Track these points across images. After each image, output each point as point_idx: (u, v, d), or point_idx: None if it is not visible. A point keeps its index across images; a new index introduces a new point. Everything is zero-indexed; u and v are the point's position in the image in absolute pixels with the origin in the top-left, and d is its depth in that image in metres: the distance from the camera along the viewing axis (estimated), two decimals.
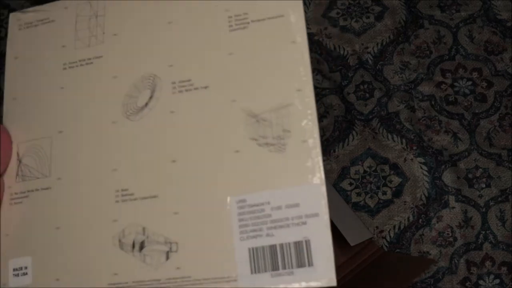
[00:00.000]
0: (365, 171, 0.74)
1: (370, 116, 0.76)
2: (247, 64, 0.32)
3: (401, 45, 0.80)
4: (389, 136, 0.75)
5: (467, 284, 0.68)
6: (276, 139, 0.30)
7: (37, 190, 0.33)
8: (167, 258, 0.31)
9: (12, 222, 0.33)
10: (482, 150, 0.73)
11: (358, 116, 0.76)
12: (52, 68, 0.35)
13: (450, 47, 0.79)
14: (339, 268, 0.62)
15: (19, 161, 0.34)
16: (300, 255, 0.29)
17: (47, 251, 0.32)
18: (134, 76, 0.34)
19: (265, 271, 0.29)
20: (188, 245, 0.30)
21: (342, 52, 0.80)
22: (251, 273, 0.29)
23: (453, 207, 0.71)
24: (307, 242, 0.29)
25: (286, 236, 0.29)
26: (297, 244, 0.29)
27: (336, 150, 0.75)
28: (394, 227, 0.71)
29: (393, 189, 0.73)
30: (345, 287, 0.61)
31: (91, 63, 0.35)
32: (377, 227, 0.71)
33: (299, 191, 0.29)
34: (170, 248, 0.31)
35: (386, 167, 0.74)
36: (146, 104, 0.33)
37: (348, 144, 0.75)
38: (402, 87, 0.77)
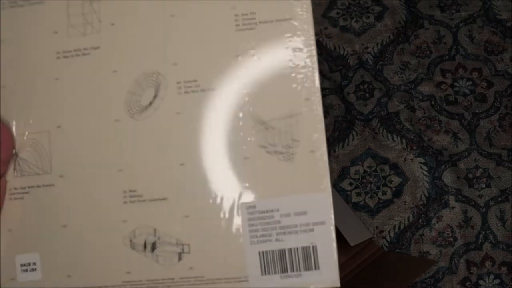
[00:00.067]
0: (365, 171, 0.74)
1: (370, 116, 0.76)
2: (255, 69, 0.32)
3: (401, 45, 0.79)
4: (389, 136, 0.75)
5: (467, 284, 0.68)
6: (285, 147, 0.31)
7: (38, 186, 0.33)
8: (180, 259, 0.31)
9: (14, 217, 0.32)
10: (482, 150, 0.73)
11: (358, 116, 0.76)
12: (43, 56, 0.33)
13: (450, 47, 0.79)
14: (339, 268, 0.62)
15: (16, 155, 0.33)
16: (308, 259, 0.30)
17: (56, 248, 0.32)
18: (136, 72, 0.33)
19: (275, 273, 0.31)
20: (200, 247, 0.31)
21: (342, 52, 0.80)
22: (262, 274, 0.31)
23: (453, 207, 0.71)
24: (314, 248, 0.30)
25: (295, 242, 0.31)
26: (305, 249, 0.30)
27: (336, 150, 0.75)
28: (394, 227, 0.71)
29: (393, 189, 0.73)
30: (345, 287, 0.61)
31: (88, 54, 0.33)
32: (377, 227, 0.71)
33: (307, 200, 0.31)
34: (183, 250, 0.32)
35: (386, 167, 0.74)
36: (151, 104, 0.32)
37: (348, 144, 0.75)
38: (402, 87, 0.77)
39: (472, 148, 0.74)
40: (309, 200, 0.31)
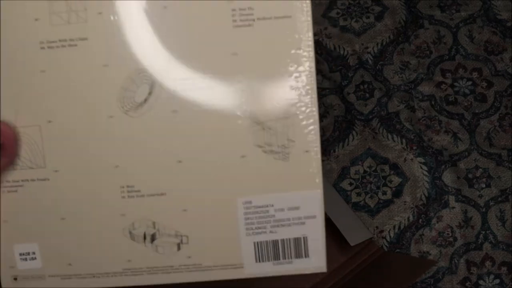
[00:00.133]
0: (365, 171, 0.74)
1: (370, 116, 0.76)
2: (252, 68, 0.31)
3: (401, 45, 0.79)
4: (389, 136, 0.75)
5: (467, 284, 0.68)
6: (280, 147, 0.32)
7: (33, 180, 0.33)
8: (179, 248, 0.33)
9: (8, 209, 0.33)
10: (482, 150, 0.73)
11: (358, 116, 0.76)
12: (26, 46, 0.32)
13: (450, 47, 0.79)
14: (339, 268, 0.62)
15: None
16: (298, 248, 0.33)
17: (55, 239, 0.33)
18: (128, 67, 0.32)
19: (268, 260, 0.33)
20: (198, 238, 0.33)
21: (342, 52, 0.80)
22: (256, 261, 0.33)
23: (453, 207, 0.71)
24: (305, 239, 0.33)
25: (287, 233, 0.33)
26: (296, 240, 0.33)
27: (336, 150, 0.75)
28: (394, 227, 0.71)
29: (393, 189, 0.73)
30: (345, 287, 0.61)
31: (75, 45, 0.31)
32: (377, 227, 0.71)
33: (300, 196, 0.33)
34: (181, 240, 0.33)
35: (386, 167, 0.73)
36: (145, 101, 0.32)
37: (348, 144, 0.75)
38: (402, 87, 0.77)
39: (472, 148, 0.74)
40: (302, 196, 0.33)
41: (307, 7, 0.31)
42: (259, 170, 0.32)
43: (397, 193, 0.72)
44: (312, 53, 0.31)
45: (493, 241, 0.69)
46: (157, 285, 0.34)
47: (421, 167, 0.73)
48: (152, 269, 0.34)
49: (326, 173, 0.73)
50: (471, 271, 0.68)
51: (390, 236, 0.70)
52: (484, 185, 0.72)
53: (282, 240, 0.33)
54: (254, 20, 0.31)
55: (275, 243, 0.33)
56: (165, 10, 0.31)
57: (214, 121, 0.32)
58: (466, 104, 0.76)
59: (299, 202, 0.33)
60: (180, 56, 0.32)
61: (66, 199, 0.33)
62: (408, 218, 0.71)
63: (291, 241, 0.33)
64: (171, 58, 0.32)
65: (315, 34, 0.81)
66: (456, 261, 0.69)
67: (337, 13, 0.82)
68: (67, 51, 0.32)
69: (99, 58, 0.32)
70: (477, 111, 0.75)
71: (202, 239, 0.33)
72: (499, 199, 0.71)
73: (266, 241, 0.33)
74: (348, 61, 0.79)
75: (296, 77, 0.32)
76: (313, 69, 0.31)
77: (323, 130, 0.76)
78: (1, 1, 0.31)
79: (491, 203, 0.71)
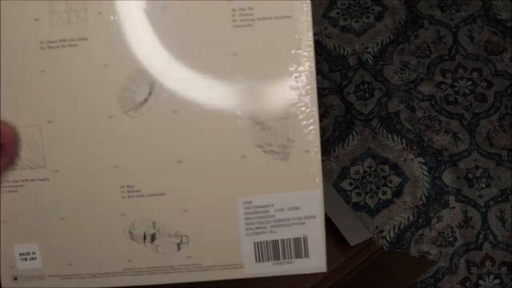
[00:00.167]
0: (365, 171, 0.74)
1: (370, 116, 0.76)
2: (252, 68, 0.31)
3: (401, 45, 0.79)
4: (389, 136, 0.75)
5: (467, 284, 0.68)
6: (280, 147, 0.32)
7: (33, 180, 0.33)
8: (179, 248, 0.33)
9: (8, 209, 0.33)
10: (482, 150, 0.73)
11: (358, 116, 0.76)
12: (26, 46, 0.31)
13: (450, 47, 0.79)
14: (339, 268, 0.62)
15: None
16: (298, 248, 0.33)
17: (55, 239, 0.33)
18: (128, 67, 0.32)
19: (268, 260, 0.33)
20: (198, 238, 0.33)
21: (342, 52, 0.80)
22: (256, 262, 0.33)
23: (453, 207, 0.71)
24: (305, 239, 0.33)
25: (287, 233, 0.33)
26: (296, 240, 0.33)
27: (336, 150, 0.75)
28: (394, 227, 0.71)
29: (393, 189, 0.72)
30: (345, 287, 0.61)
31: (75, 45, 0.31)
32: (377, 227, 0.71)
33: (300, 196, 0.33)
34: (181, 241, 0.33)
35: (386, 167, 0.73)
36: (145, 101, 0.32)
37: (348, 144, 0.75)
38: (402, 87, 0.77)
39: (472, 148, 0.74)
40: (302, 196, 0.33)
41: (307, 7, 0.31)
42: (259, 170, 0.32)
43: (397, 193, 0.72)
44: (312, 53, 0.31)
45: (493, 241, 0.69)
46: (157, 285, 0.34)
47: (421, 167, 0.73)
48: (152, 269, 0.34)
49: (326, 173, 0.73)
50: (471, 271, 0.68)
51: (390, 236, 0.70)
52: (484, 185, 0.72)
53: (282, 240, 0.33)
54: (254, 20, 0.31)
55: (275, 243, 0.33)
56: (165, 10, 0.31)
57: (214, 121, 0.32)
58: (466, 104, 0.76)
59: (299, 202, 0.33)
60: (180, 56, 0.31)
61: (66, 199, 0.33)
62: (408, 218, 0.71)
63: (291, 241, 0.33)
64: (171, 58, 0.31)
65: (315, 34, 0.81)
66: (456, 261, 0.69)
67: (337, 13, 0.82)
68: (67, 51, 0.32)
69: (99, 58, 0.32)
70: (477, 111, 0.75)
71: (202, 239, 0.33)
72: (499, 199, 0.71)
73: (266, 241, 0.33)
74: (348, 61, 0.79)
75: (296, 77, 0.31)
76: (313, 69, 0.31)
77: (323, 130, 0.76)
78: (1, 1, 0.31)
79: (491, 203, 0.71)
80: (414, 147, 0.74)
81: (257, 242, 0.33)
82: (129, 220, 0.33)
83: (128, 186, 0.32)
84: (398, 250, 0.70)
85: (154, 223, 0.33)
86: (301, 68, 0.31)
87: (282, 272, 0.33)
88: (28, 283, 0.34)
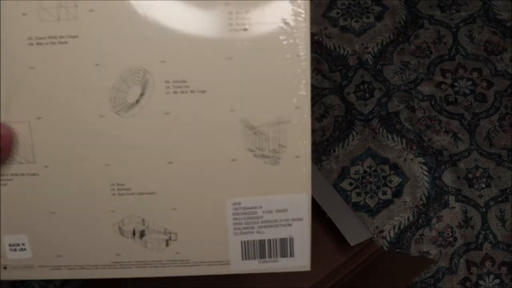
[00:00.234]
0: (365, 171, 0.74)
1: (370, 116, 0.76)
2: (247, 73, 0.31)
3: (401, 45, 0.79)
4: (389, 136, 0.75)
5: (467, 284, 0.68)
6: (271, 152, 0.32)
7: (22, 175, 0.33)
8: (167, 245, 0.34)
9: None
10: (482, 150, 0.73)
11: (358, 116, 0.76)
12: (13, 41, 0.31)
13: (450, 47, 0.79)
14: (339, 268, 0.62)
15: None
16: (284, 248, 0.34)
17: (45, 232, 0.33)
18: (120, 67, 0.31)
19: (254, 258, 0.34)
20: (187, 236, 0.34)
21: (342, 52, 0.80)
22: (242, 259, 0.34)
23: (453, 207, 0.71)
24: (291, 239, 0.34)
25: (274, 234, 0.34)
26: (283, 240, 0.34)
27: (336, 150, 0.75)
28: (394, 227, 0.71)
29: (393, 189, 0.72)
30: (345, 287, 0.61)
31: (65, 42, 0.31)
32: (377, 227, 0.71)
33: (288, 199, 0.33)
34: (170, 237, 0.34)
35: (386, 167, 0.73)
36: (137, 101, 0.31)
37: (348, 144, 0.75)
38: (402, 87, 0.77)
39: (472, 148, 0.73)
40: (290, 199, 0.33)
41: (305, 13, 0.30)
42: (249, 173, 0.32)
43: (397, 193, 0.72)
44: (308, 60, 0.31)
45: (493, 241, 0.69)
46: (159, 281, 0.35)
47: (421, 167, 0.73)
48: (140, 263, 0.34)
49: (326, 173, 0.73)
50: (471, 271, 0.68)
51: (390, 236, 0.70)
52: (484, 185, 0.72)
53: (269, 240, 0.34)
54: (251, 24, 0.31)
55: (261, 242, 0.34)
56: (158, 11, 0.31)
57: (206, 124, 0.32)
58: (466, 104, 0.76)
59: (287, 204, 0.33)
60: (173, 57, 0.31)
61: (55, 194, 0.33)
62: (408, 218, 0.71)
63: (277, 241, 0.34)
64: (164, 60, 0.31)
65: (315, 34, 0.81)
66: (456, 261, 0.69)
67: (337, 13, 0.81)
68: (56, 48, 0.31)
69: (90, 57, 0.31)
70: (477, 111, 0.75)
71: (191, 237, 0.34)
72: (499, 199, 0.71)
73: (253, 241, 0.34)
74: (348, 61, 0.79)
75: (290, 83, 0.31)
76: (309, 76, 0.31)
77: (323, 130, 0.76)
78: None
79: (491, 203, 0.71)
80: (414, 147, 0.74)
81: (244, 241, 0.34)
82: (119, 217, 0.33)
83: (118, 184, 0.33)
84: (398, 250, 0.70)
85: (143, 220, 0.33)
86: (296, 74, 0.31)
87: (267, 270, 0.34)
88: (17, 273, 0.34)
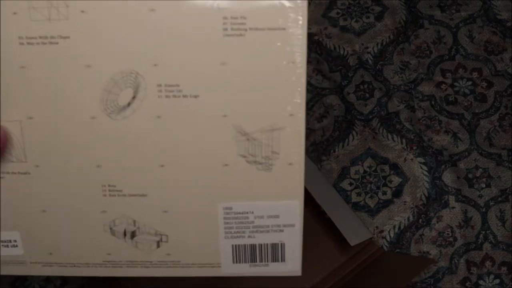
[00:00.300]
0: (365, 171, 0.74)
1: (370, 116, 0.76)
2: (241, 79, 0.30)
3: (401, 45, 0.79)
4: (389, 136, 0.75)
5: (467, 284, 0.68)
6: (264, 158, 0.32)
7: (14, 173, 0.33)
8: (158, 246, 0.34)
9: None
10: (482, 150, 0.73)
11: (358, 116, 0.76)
12: (4, 40, 0.30)
13: (450, 47, 0.79)
14: (339, 268, 0.62)
15: None
16: (275, 253, 0.34)
17: (36, 230, 0.34)
18: (112, 69, 0.30)
19: (245, 262, 0.34)
20: (178, 238, 0.34)
21: (342, 52, 0.79)
22: (233, 262, 0.34)
23: (453, 207, 0.71)
24: (282, 245, 0.34)
25: (265, 239, 0.34)
26: (274, 245, 0.34)
27: (336, 150, 0.75)
28: (394, 227, 0.71)
29: (393, 189, 0.72)
30: (345, 287, 0.61)
31: (56, 43, 0.30)
32: (377, 227, 0.71)
33: (280, 206, 0.33)
34: (161, 239, 0.34)
35: (386, 167, 0.73)
36: (129, 104, 0.31)
37: (348, 144, 0.75)
38: (402, 87, 0.77)
39: (472, 148, 0.73)
40: (283, 206, 0.33)
41: (302, 20, 0.30)
42: (241, 178, 0.32)
43: (397, 193, 0.72)
44: (304, 68, 0.30)
45: (493, 241, 0.69)
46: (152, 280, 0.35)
47: (421, 167, 0.73)
48: (131, 262, 0.34)
49: (326, 173, 0.73)
50: (471, 271, 0.68)
51: (390, 236, 0.70)
52: (484, 185, 0.72)
53: (260, 245, 0.34)
54: (246, 30, 0.30)
55: (252, 247, 0.34)
56: (152, 13, 0.30)
57: (198, 129, 0.31)
58: (466, 104, 0.76)
59: (279, 211, 0.33)
60: (166, 61, 0.30)
61: (47, 192, 0.33)
62: (408, 218, 0.71)
63: (268, 246, 0.34)
64: (156, 63, 0.30)
65: (315, 34, 0.81)
66: (456, 261, 0.69)
67: (337, 13, 0.81)
68: (47, 48, 0.30)
69: (81, 58, 0.30)
70: (477, 111, 0.75)
71: (182, 239, 0.34)
72: (499, 199, 0.71)
73: (244, 245, 0.34)
74: (348, 61, 0.79)
75: (285, 90, 0.30)
76: (304, 84, 0.30)
77: (323, 130, 0.76)
78: None
79: (491, 203, 0.71)
80: (414, 147, 0.74)
81: (235, 245, 0.34)
82: (110, 217, 0.33)
83: (109, 185, 0.33)
84: (398, 250, 0.70)
85: (134, 221, 0.33)
86: (291, 82, 0.30)
87: (258, 274, 0.34)
88: (9, 268, 0.35)
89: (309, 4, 0.84)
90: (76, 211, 0.33)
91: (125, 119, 0.31)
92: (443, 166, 0.72)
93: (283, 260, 0.34)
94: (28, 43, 0.30)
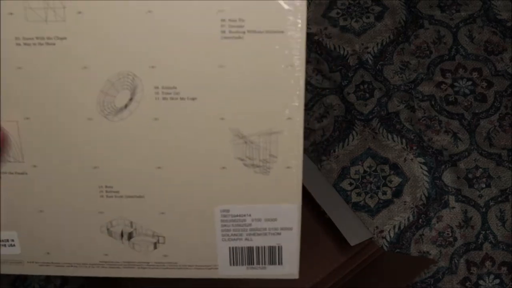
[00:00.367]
0: (365, 171, 0.74)
1: (370, 116, 0.76)
2: (239, 81, 0.30)
3: (401, 45, 0.79)
4: (389, 136, 0.75)
5: (467, 284, 0.68)
6: (262, 161, 0.32)
7: (11, 173, 0.33)
8: (155, 247, 0.34)
9: None
10: (482, 150, 0.73)
11: (358, 116, 0.76)
12: (1, 41, 0.30)
13: (450, 47, 0.79)
14: (339, 268, 0.62)
15: None
16: (273, 256, 0.34)
17: (33, 229, 0.34)
18: (109, 70, 0.30)
19: (242, 264, 0.34)
20: (175, 240, 0.34)
21: (342, 52, 0.79)
22: (230, 265, 0.34)
23: (453, 207, 0.71)
24: (280, 248, 0.34)
25: (263, 242, 0.34)
26: (271, 248, 0.34)
27: (336, 150, 0.75)
28: (394, 227, 0.71)
29: (393, 189, 0.72)
30: (345, 287, 0.61)
31: (53, 44, 0.30)
32: (377, 227, 0.71)
33: (278, 209, 0.33)
34: (158, 240, 0.34)
35: (386, 167, 0.73)
36: (126, 106, 0.31)
37: (348, 144, 0.75)
38: (402, 87, 0.77)
39: (472, 148, 0.73)
40: (280, 209, 0.33)
41: (301, 23, 0.29)
42: (238, 181, 0.32)
43: (397, 193, 0.72)
44: (303, 71, 0.30)
45: (493, 241, 0.69)
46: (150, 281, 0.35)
47: (421, 167, 0.73)
48: (128, 263, 0.34)
49: (326, 173, 0.73)
50: (471, 271, 0.68)
51: (390, 236, 0.70)
52: (484, 185, 0.72)
53: (257, 248, 0.34)
54: (244, 32, 0.29)
55: (250, 249, 0.34)
56: (149, 15, 0.29)
57: (196, 132, 0.31)
58: (466, 104, 0.76)
59: (276, 214, 0.33)
60: (163, 63, 0.30)
61: (44, 193, 0.33)
62: (408, 218, 0.71)
63: (265, 248, 0.34)
64: (154, 65, 0.30)
65: (315, 34, 0.81)
66: (456, 261, 0.69)
67: (337, 13, 0.81)
68: (44, 49, 0.30)
69: (78, 59, 0.30)
70: (477, 111, 0.75)
71: (179, 241, 0.34)
72: (499, 199, 0.71)
73: (241, 247, 0.34)
74: (348, 61, 0.79)
75: (283, 93, 0.30)
76: (303, 87, 0.30)
77: (323, 130, 0.76)
78: None
79: (491, 203, 0.71)
80: (414, 147, 0.74)
81: (232, 247, 0.34)
82: (107, 218, 0.33)
83: (106, 187, 0.33)
84: (398, 250, 0.70)
85: (131, 223, 0.33)
86: (290, 85, 0.30)
87: (255, 276, 0.34)
88: (6, 267, 0.35)
89: (309, 4, 0.84)
90: (73, 212, 0.33)
91: (122, 121, 0.31)
92: (443, 166, 0.72)
93: (280, 263, 0.34)
94: (25, 44, 0.30)
